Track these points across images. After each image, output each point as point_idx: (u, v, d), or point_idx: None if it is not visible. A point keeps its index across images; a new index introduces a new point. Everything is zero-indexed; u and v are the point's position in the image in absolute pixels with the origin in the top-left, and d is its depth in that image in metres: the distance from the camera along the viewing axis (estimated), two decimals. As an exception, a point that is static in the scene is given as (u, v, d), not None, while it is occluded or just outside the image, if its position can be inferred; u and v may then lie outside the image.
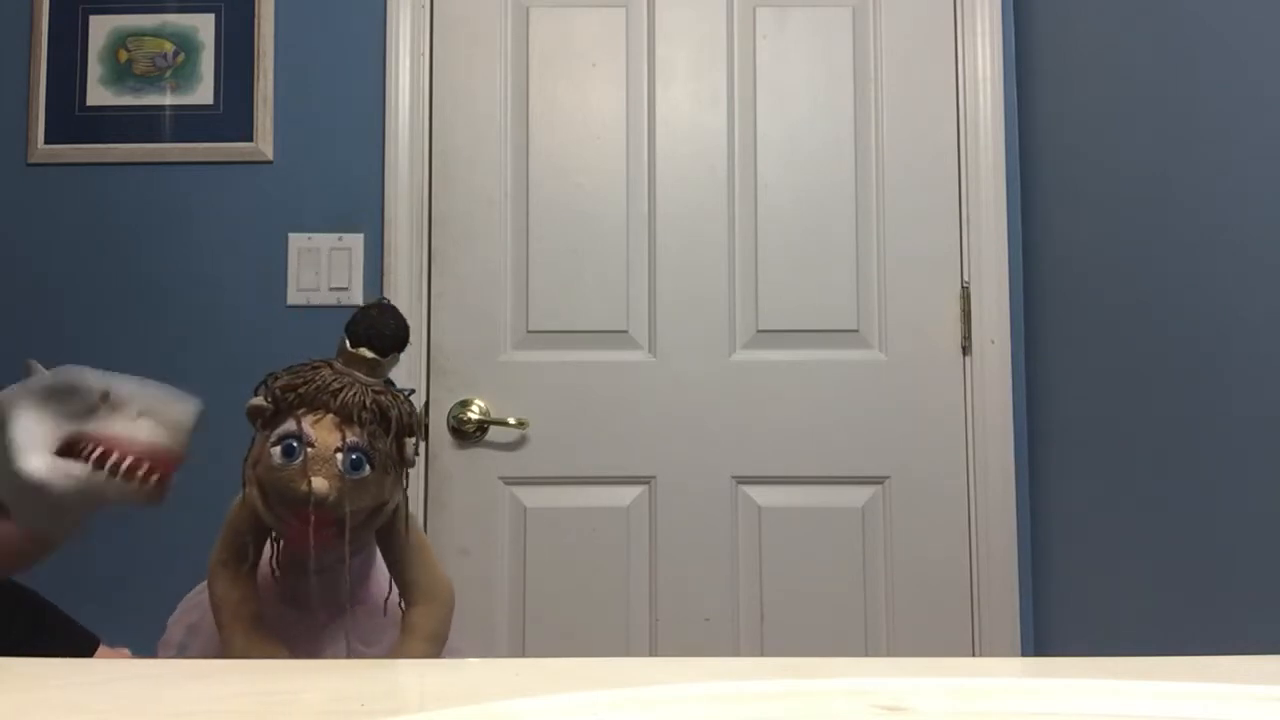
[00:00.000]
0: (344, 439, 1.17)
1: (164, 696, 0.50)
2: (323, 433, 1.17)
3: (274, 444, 1.18)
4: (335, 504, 1.16)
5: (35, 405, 1.04)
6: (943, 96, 2.20)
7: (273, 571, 1.26)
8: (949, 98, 2.20)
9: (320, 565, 1.24)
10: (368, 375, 1.22)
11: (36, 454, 1.00)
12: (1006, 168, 2.18)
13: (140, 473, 1.01)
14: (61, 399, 1.05)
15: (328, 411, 1.18)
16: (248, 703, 0.49)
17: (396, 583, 1.27)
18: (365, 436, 1.18)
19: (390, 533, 1.25)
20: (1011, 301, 2.16)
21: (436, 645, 1.24)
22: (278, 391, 1.20)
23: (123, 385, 1.08)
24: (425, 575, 1.26)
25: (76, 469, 1.01)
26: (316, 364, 1.22)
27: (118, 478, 1.01)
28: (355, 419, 1.18)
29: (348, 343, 1.23)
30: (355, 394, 1.19)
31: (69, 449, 1.01)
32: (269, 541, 1.26)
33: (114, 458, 1.01)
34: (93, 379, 1.05)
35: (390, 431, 1.20)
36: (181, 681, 0.54)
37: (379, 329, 1.23)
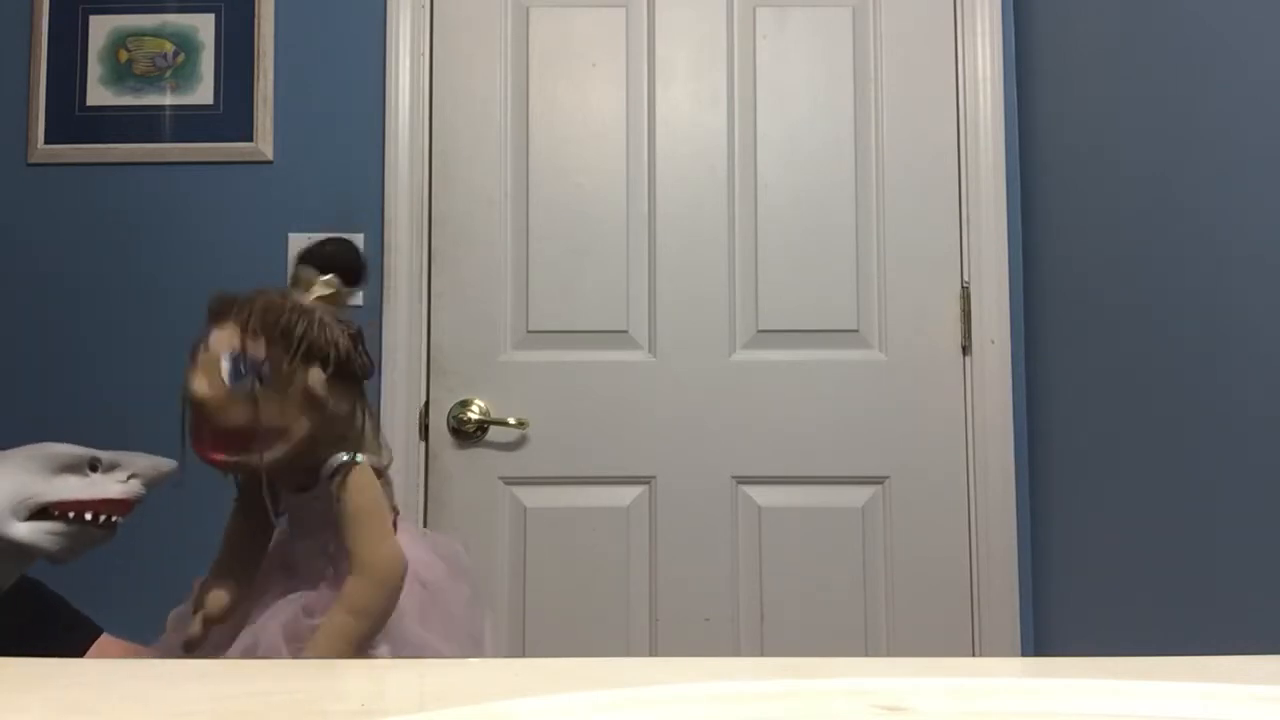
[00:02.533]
0: (236, 348, 1.13)
1: (164, 696, 0.50)
2: (222, 338, 1.14)
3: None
4: (215, 411, 1.12)
5: (19, 469, 1.16)
6: (943, 96, 2.20)
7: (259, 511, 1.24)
8: (949, 98, 2.20)
9: (296, 546, 1.24)
10: (314, 299, 1.19)
11: (11, 521, 1.15)
12: (1006, 168, 2.18)
13: (104, 519, 1.19)
14: (46, 463, 1.17)
15: (234, 320, 1.15)
16: (248, 703, 0.49)
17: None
18: (261, 349, 1.13)
19: (332, 498, 1.18)
20: (1011, 301, 2.16)
21: (362, 620, 1.14)
22: (214, 306, 1.18)
23: (105, 454, 1.22)
24: (362, 547, 1.17)
25: (58, 527, 1.17)
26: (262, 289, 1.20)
27: (88, 527, 1.18)
28: (254, 330, 1.13)
29: (293, 266, 1.23)
30: (263, 306, 1.15)
31: (41, 513, 1.17)
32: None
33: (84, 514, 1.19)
34: (78, 449, 1.18)
35: (293, 351, 1.14)
36: (181, 681, 0.54)
37: (319, 249, 1.24)
